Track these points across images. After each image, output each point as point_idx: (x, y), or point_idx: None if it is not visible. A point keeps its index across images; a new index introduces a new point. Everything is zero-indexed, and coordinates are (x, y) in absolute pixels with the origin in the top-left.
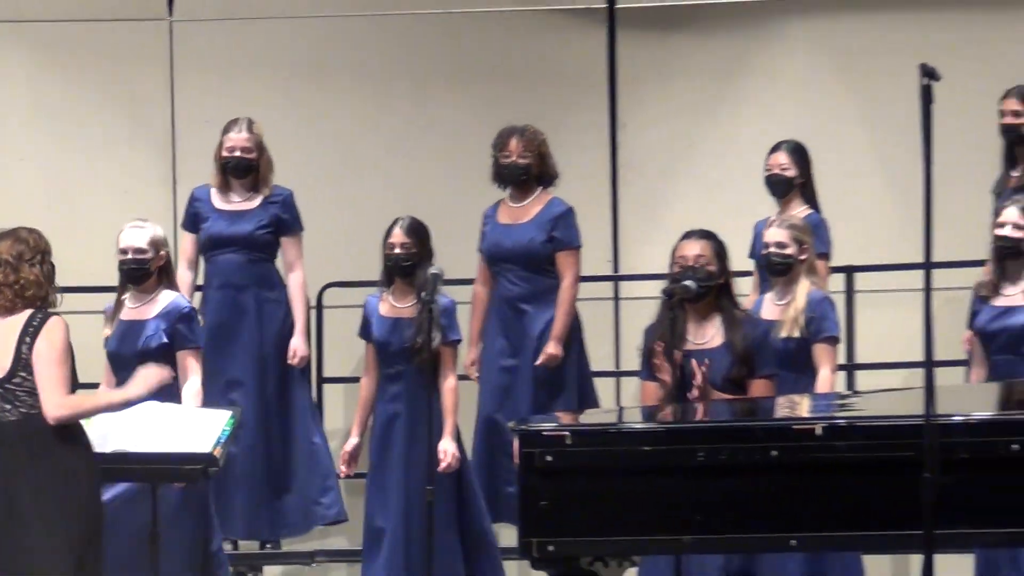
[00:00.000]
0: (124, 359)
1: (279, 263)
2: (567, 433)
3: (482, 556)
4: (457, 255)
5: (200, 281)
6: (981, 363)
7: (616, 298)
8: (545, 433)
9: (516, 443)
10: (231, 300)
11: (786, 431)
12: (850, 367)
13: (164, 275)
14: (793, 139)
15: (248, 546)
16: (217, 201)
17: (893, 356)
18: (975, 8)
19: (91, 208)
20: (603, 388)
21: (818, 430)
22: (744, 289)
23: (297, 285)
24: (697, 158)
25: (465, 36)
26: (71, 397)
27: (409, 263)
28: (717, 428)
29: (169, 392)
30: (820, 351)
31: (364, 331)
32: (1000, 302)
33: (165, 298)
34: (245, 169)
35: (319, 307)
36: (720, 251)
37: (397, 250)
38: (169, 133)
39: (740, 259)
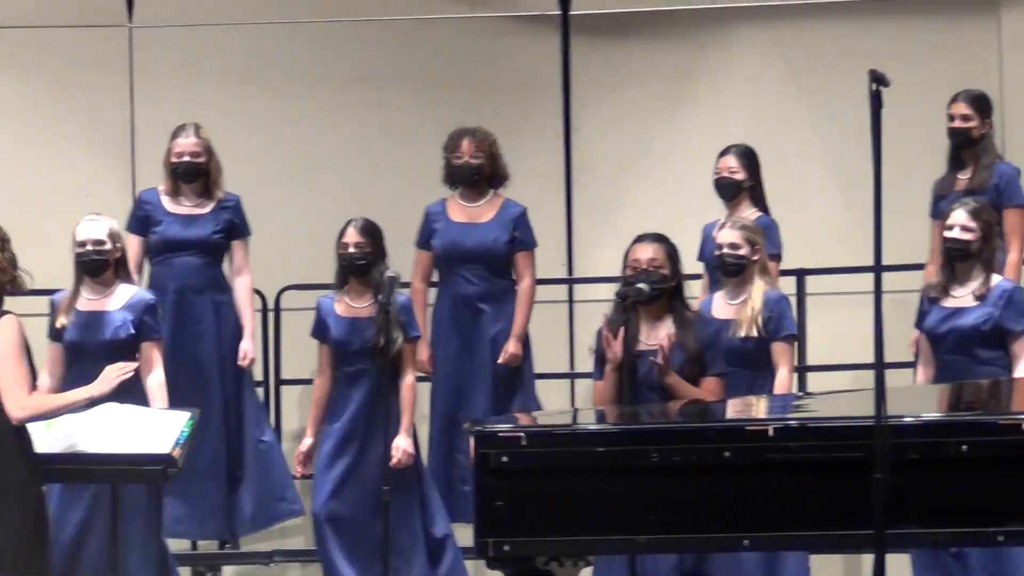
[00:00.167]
0: (87, 349)
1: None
2: (522, 434)
3: (445, 556)
4: (412, 257)
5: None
6: (928, 363)
7: (570, 301)
8: (500, 434)
9: (472, 444)
10: (189, 303)
11: (739, 432)
12: (801, 369)
13: (121, 267)
14: (743, 143)
15: (207, 546)
16: (169, 205)
17: (843, 358)
18: (923, 15)
19: (51, 212)
20: (557, 390)
21: (770, 431)
22: (694, 292)
23: (246, 288)
24: (650, 162)
25: (420, 42)
26: (33, 397)
27: (364, 262)
28: (671, 429)
29: (130, 385)
30: (780, 349)
31: (319, 332)
32: (949, 303)
33: (126, 290)
34: (195, 173)
35: (277, 309)
36: (673, 254)
37: (352, 250)
38: (128, 138)
39: (689, 261)
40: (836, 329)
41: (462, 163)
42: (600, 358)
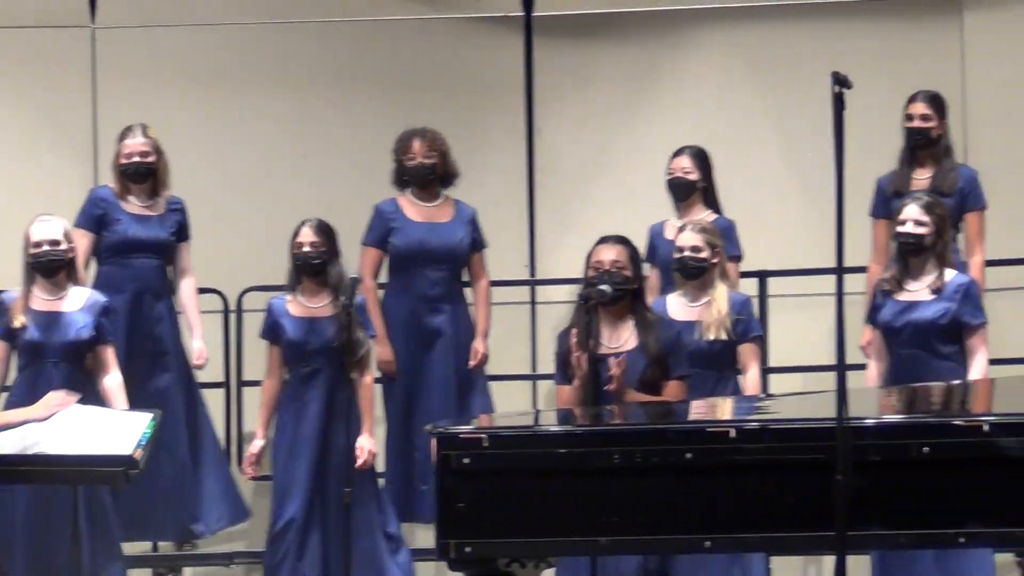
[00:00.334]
0: (46, 350)
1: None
2: (484, 436)
3: (399, 553)
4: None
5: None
6: (881, 358)
7: (532, 302)
8: (462, 436)
9: (433, 445)
10: (148, 305)
11: (700, 434)
12: (763, 370)
13: (72, 268)
14: (695, 144)
15: (167, 547)
16: (124, 205)
17: (805, 359)
18: (885, 17)
19: (12, 212)
20: (519, 391)
21: (732, 433)
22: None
23: (193, 290)
24: (612, 163)
25: (383, 43)
26: None
27: (319, 262)
28: (632, 431)
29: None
30: (749, 351)
31: (271, 333)
32: (904, 297)
33: (81, 291)
34: (145, 173)
35: (239, 311)
36: (635, 256)
37: (307, 249)
38: (91, 139)
39: None
40: (798, 331)
41: (416, 164)
42: (562, 362)
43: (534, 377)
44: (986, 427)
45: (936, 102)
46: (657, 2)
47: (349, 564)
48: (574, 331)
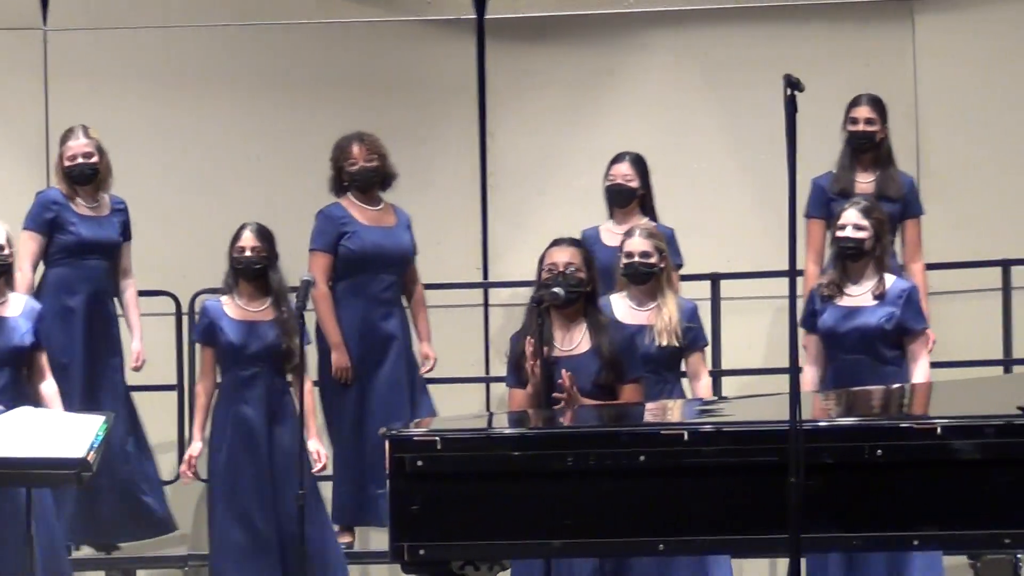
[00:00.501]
0: None
1: None
2: (437, 438)
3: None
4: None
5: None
6: (818, 363)
7: (485, 304)
8: (416, 438)
9: (387, 448)
10: (103, 306)
11: (654, 436)
12: (715, 373)
13: (11, 274)
14: (634, 151)
15: (122, 549)
16: (74, 207)
17: (758, 362)
18: (837, 20)
19: None
20: (472, 394)
21: (685, 435)
22: None
23: (134, 291)
24: (565, 166)
25: (336, 46)
26: None
27: (261, 266)
28: (585, 433)
29: (23, 393)
30: (699, 360)
31: (207, 335)
32: (846, 302)
33: (18, 297)
34: (90, 175)
35: (191, 313)
36: (588, 258)
37: (248, 253)
38: (43, 141)
39: None
40: (750, 333)
41: (359, 168)
42: (514, 365)
43: (487, 380)
44: (939, 430)
45: (879, 105)
46: (609, 5)
47: (304, 565)
48: (529, 339)
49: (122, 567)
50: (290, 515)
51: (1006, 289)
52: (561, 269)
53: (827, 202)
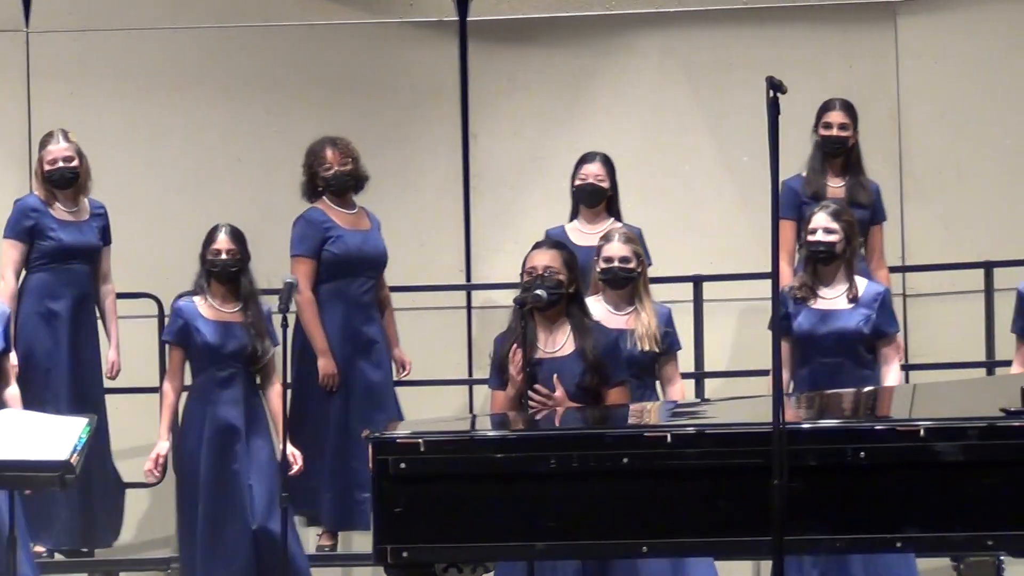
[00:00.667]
0: None
1: None
2: (420, 441)
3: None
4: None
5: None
6: (789, 366)
7: (468, 307)
8: (399, 440)
9: (370, 450)
10: (88, 311)
11: (637, 439)
12: (699, 375)
13: None
14: (602, 151)
15: (103, 553)
16: (54, 212)
17: (741, 364)
18: (820, 22)
19: None
20: (455, 396)
21: (669, 438)
22: None
23: (113, 296)
24: (548, 169)
25: (318, 48)
26: None
27: (235, 268)
28: (568, 435)
29: None
30: (675, 365)
31: (181, 336)
32: (820, 305)
33: None
34: (70, 179)
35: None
36: (570, 261)
37: (223, 256)
38: (26, 144)
39: None
40: (733, 335)
41: (334, 172)
42: (497, 367)
43: (470, 382)
44: (922, 432)
45: (851, 111)
46: (592, 7)
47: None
48: (515, 348)
49: (104, 569)
50: (264, 515)
51: (988, 291)
52: (540, 272)
53: (799, 204)
